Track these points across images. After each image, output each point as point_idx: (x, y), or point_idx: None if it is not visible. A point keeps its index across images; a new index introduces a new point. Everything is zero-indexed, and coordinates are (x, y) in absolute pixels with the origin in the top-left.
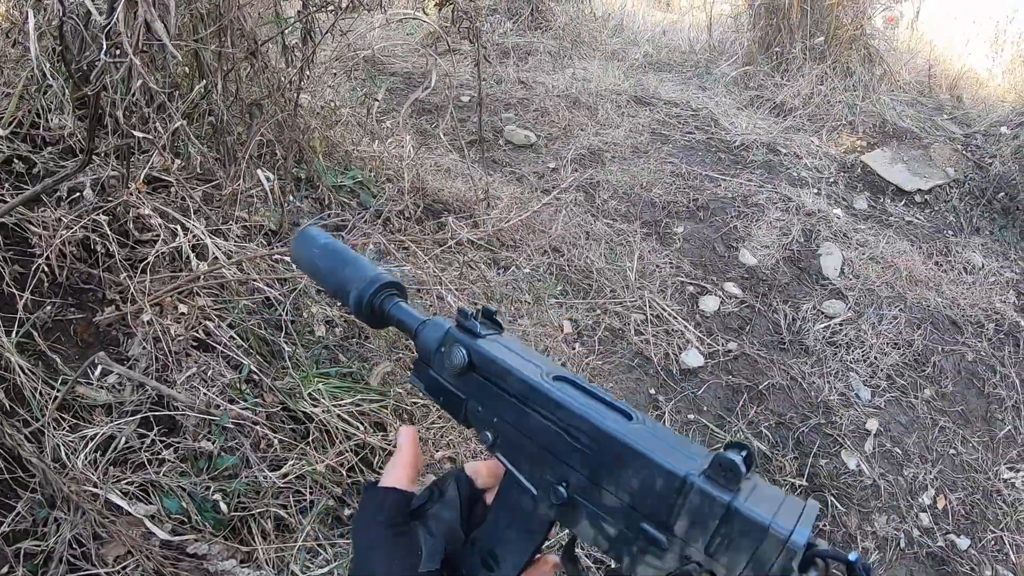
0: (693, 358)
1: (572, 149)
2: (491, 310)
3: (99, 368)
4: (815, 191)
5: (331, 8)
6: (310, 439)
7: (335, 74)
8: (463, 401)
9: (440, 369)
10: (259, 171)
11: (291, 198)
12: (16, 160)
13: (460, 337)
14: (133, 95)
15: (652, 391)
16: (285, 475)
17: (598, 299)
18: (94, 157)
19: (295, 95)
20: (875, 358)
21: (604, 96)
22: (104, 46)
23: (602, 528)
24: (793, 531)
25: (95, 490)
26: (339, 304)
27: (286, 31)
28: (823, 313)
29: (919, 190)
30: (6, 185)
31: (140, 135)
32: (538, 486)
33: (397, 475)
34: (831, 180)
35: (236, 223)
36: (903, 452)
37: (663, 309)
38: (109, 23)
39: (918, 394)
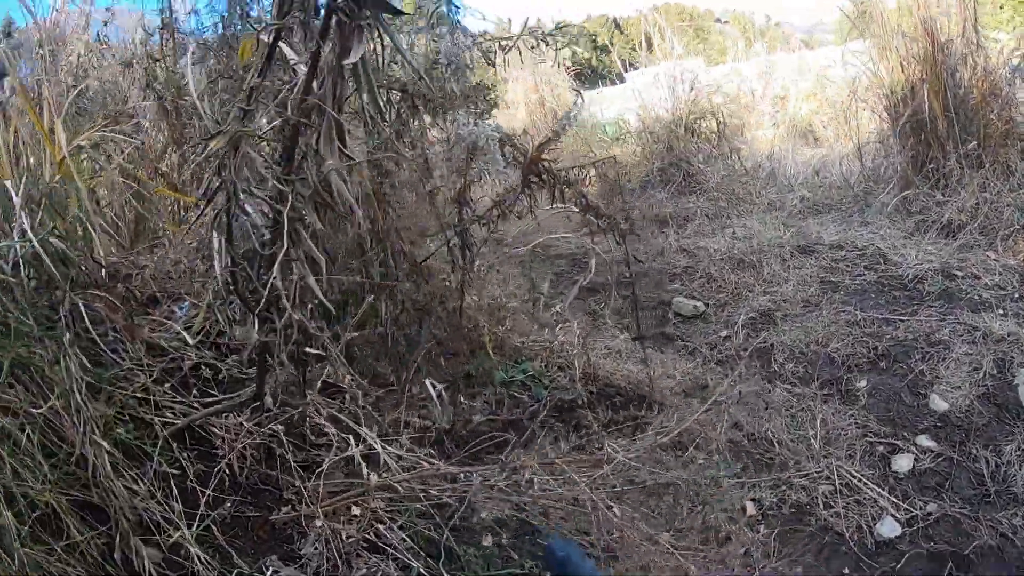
0: (889, 528)
1: (742, 313)
2: None
3: (271, 569)
4: (1000, 312)
5: (483, 221)
6: None
7: (498, 271)
8: None
9: None
10: (427, 381)
11: (461, 399)
12: (204, 367)
13: None
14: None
15: (847, 571)
16: None
17: (782, 474)
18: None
19: (459, 301)
20: None
21: (767, 251)
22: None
23: None
24: None
25: None
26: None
27: (447, 243)
28: None
29: None
30: (194, 390)
31: (311, 351)
32: None
33: None
34: (1015, 296)
35: (407, 428)
36: None
37: (852, 476)
38: (267, 280)
39: None
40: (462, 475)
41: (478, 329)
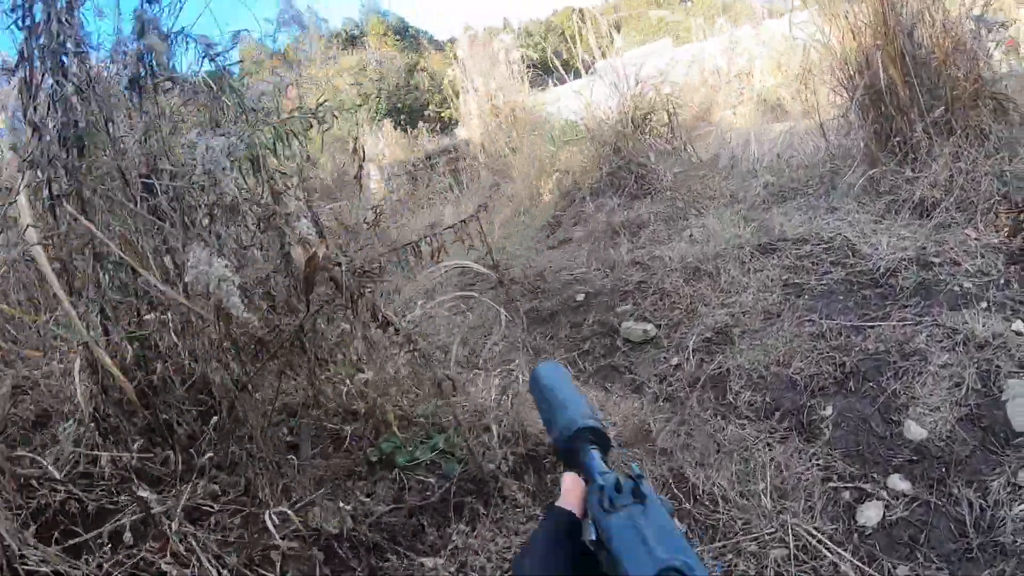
0: None
1: (696, 334)
2: (636, 476)
3: None
4: (984, 306)
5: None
6: None
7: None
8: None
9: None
10: (316, 509)
11: (358, 492)
12: (72, 501)
13: (594, 509)
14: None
15: None
16: None
17: (728, 540)
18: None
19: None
20: None
21: (725, 255)
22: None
23: None
24: None
25: None
26: None
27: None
28: (1020, 487)
29: None
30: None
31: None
32: None
33: (569, 502)
34: (1001, 282)
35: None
36: None
37: (810, 536)
38: None
39: None
40: None
41: (379, 408)
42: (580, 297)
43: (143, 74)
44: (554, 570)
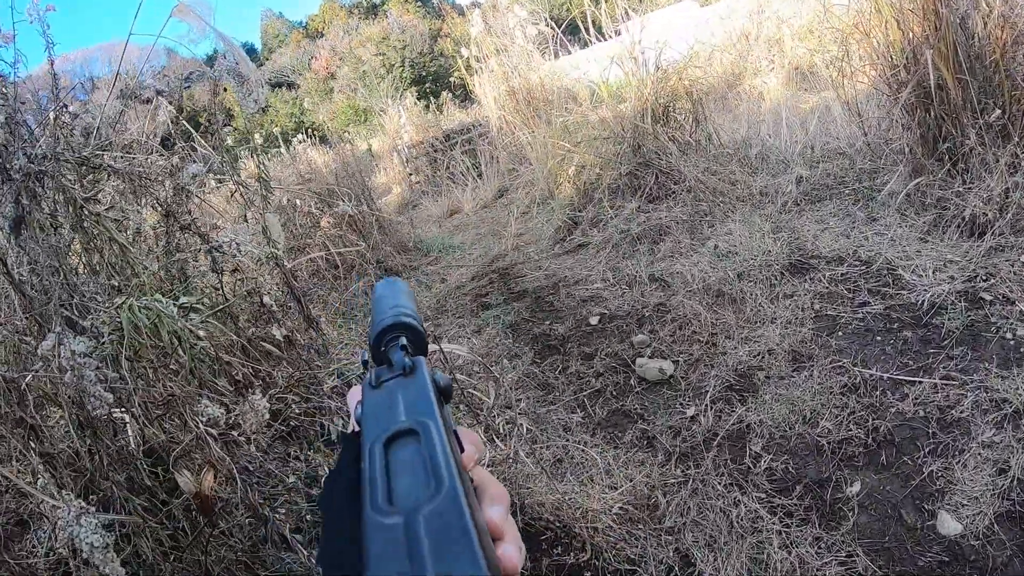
0: None
1: (715, 376)
2: (414, 357)
3: None
4: None
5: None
6: None
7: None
8: None
9: None
10: None
11: None
12: None
13: (364, 389)
14: None
15: None
16: None
17: None
18: None
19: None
20: None
21: (752, 276)
22: None
23: None
24: None
25: None
26: None
27: None
28: None
29: None
30: None
31: None
32: None
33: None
34: None
35: None
36: None
37: None
38: None
39: None
40: None
41: None
42: (594, 320)
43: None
44: (335, 505)
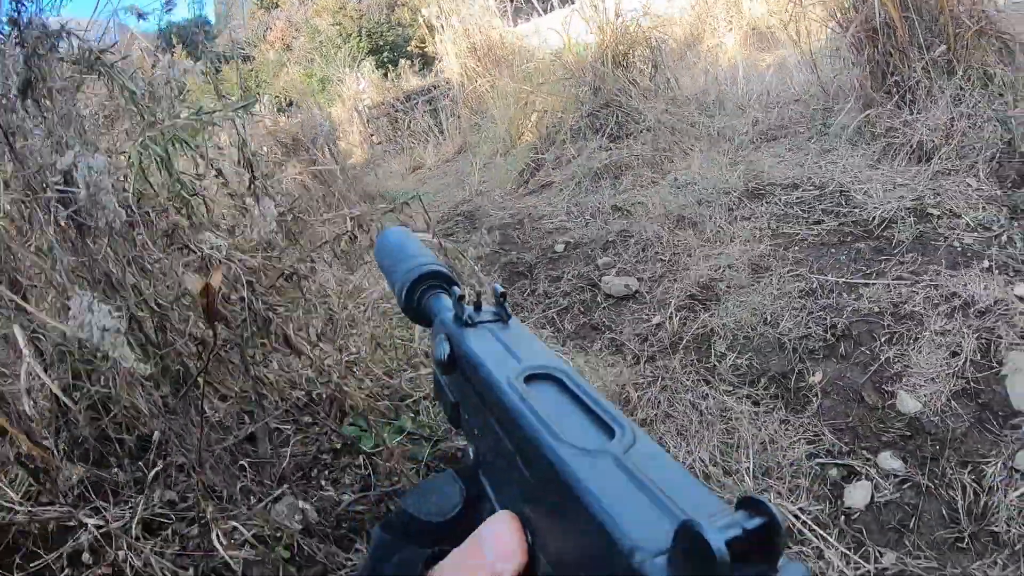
0: None
1: (679, 289)
2: (498, 290)
3: None
4: (985, 265)
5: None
6: None
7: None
8: (452, 406)
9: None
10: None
11: (323, 482)
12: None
13: (448, 325)
14: None
15: None
16: None
17: None
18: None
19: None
20: None
21: (711, 202)
22: None
23: None
24: None
25: None
26: None
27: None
28: (1018, 471)
29: None
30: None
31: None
32: None
33: None
34: (1003, 238)
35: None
36: None
37: (795, 518)
38: None
39: None
40: None
41: (341, 392)
42: (560, 248)
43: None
44: None
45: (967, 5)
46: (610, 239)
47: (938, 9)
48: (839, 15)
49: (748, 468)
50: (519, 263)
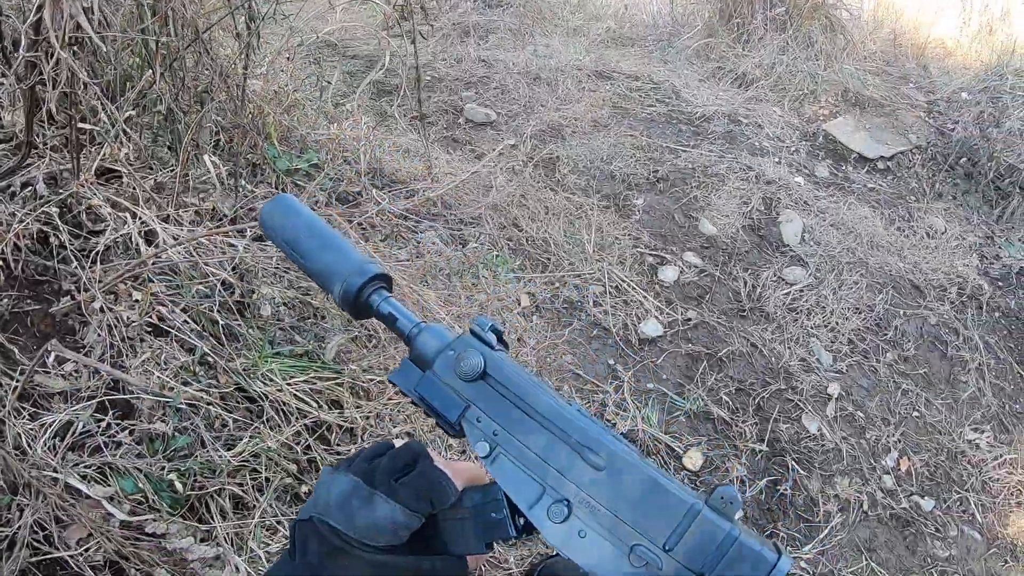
0: (652, 328)
1: (532, 125)
2: (499, 328)
3: (53, 355)
4: (776, 160)
5: None
6: (264, 418)
7: (289, 58)
8: (462, 408)
9: (444, 373)
10: (205, 157)
11: (244, 183)
12: None
13: (477, 345)
14: (71, 88)
15: (611, 361)
16: (240, 453)
17: (556, 272)
18: (48, 151)
19: (242, 81)
20: (836, 323)
21: (565, 72)
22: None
23: (600, 546)
24: (779, 559)
25: (55, 475)
26: (303, 282)
27: (233, 16)
28: (784, 280)
29: (881, 157)
30: None
31: (87, 126)
32: (528, 503)
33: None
34: (793, 149)
35: (188, 210)
36: (865, 415)
37: (621, 280)
38: (37, 18)
39: (880, 358)
40: (242, 247)
41: (262, 116)
42: (426, 79)
43: None
44: None
45: None
46: (473, 81)
47: None
48: None
49: (590, 241)
50: (387, 84)
